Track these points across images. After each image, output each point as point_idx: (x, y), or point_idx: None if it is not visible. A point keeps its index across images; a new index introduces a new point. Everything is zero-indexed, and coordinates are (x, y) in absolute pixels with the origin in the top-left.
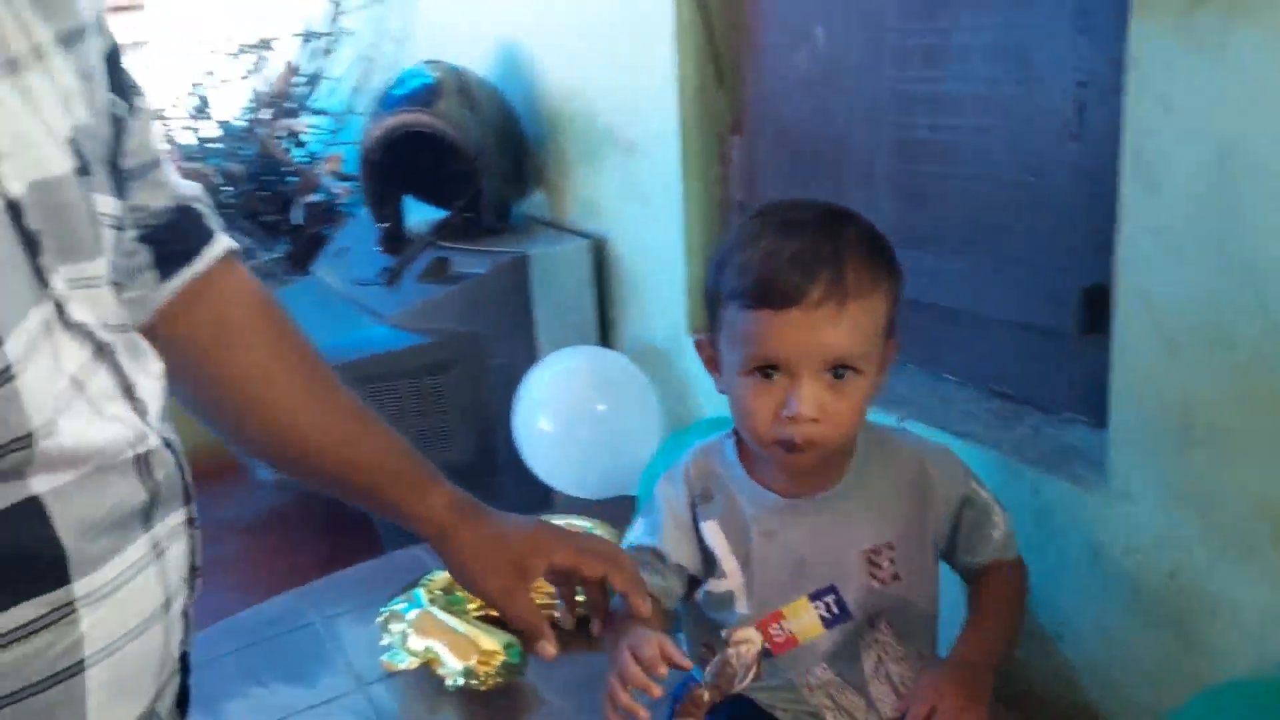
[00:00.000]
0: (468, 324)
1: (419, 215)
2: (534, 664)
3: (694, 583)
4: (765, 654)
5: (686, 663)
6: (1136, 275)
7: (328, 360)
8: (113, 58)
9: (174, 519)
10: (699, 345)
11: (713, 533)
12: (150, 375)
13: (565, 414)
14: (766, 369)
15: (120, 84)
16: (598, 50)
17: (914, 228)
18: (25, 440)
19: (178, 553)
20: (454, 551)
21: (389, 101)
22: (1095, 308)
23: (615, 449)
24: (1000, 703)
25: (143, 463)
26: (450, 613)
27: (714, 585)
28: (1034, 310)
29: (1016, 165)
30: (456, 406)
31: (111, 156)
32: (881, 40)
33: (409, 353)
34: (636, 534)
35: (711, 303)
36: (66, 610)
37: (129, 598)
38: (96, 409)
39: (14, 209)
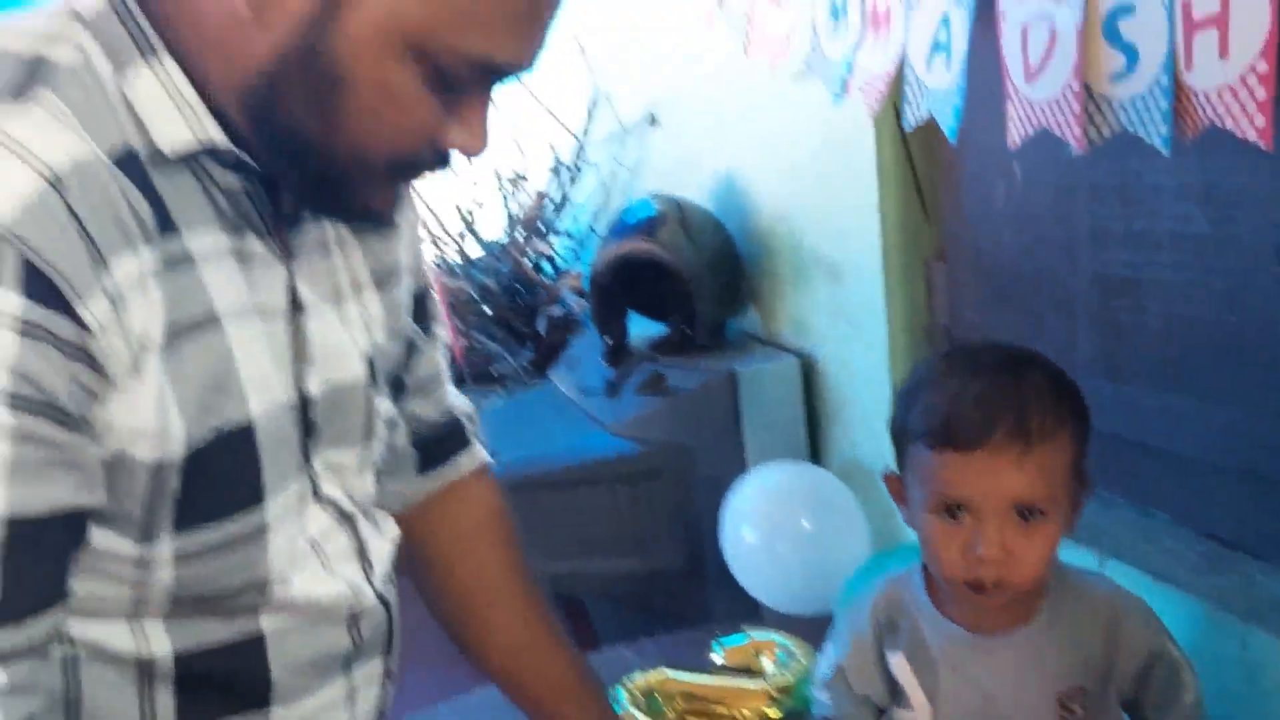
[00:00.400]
0: (679, 435)
1: (641, 329)
2: None
3: (880, 711)
4: None
5: None
6: None
7: (555, 462)
8: (420, 295)
9: (372, 668)
10: (887, 480)
11: (899, 666)
12: (385, 538)
13: (769, 527)
14: (953, 508)
15: (423, 315)
16: (804, 180)
17: (1113, 361)
18: (263, 586)
19: (369, 697)
20: None
21: (618, 230)
22: None
23: (819, 566)
24: None
25: (355, 618)
26: (649, 715)
27: (902, 716)
28: (1244, 453)
29: (1216, 303)
30: (666, 514)
31: (399, 371)
32: (1075, 177)
33: (624, 460)
34: (827, 661)
35: (898, 439)
36: None
37: None
38: (329, 567)
39: (305, 402)
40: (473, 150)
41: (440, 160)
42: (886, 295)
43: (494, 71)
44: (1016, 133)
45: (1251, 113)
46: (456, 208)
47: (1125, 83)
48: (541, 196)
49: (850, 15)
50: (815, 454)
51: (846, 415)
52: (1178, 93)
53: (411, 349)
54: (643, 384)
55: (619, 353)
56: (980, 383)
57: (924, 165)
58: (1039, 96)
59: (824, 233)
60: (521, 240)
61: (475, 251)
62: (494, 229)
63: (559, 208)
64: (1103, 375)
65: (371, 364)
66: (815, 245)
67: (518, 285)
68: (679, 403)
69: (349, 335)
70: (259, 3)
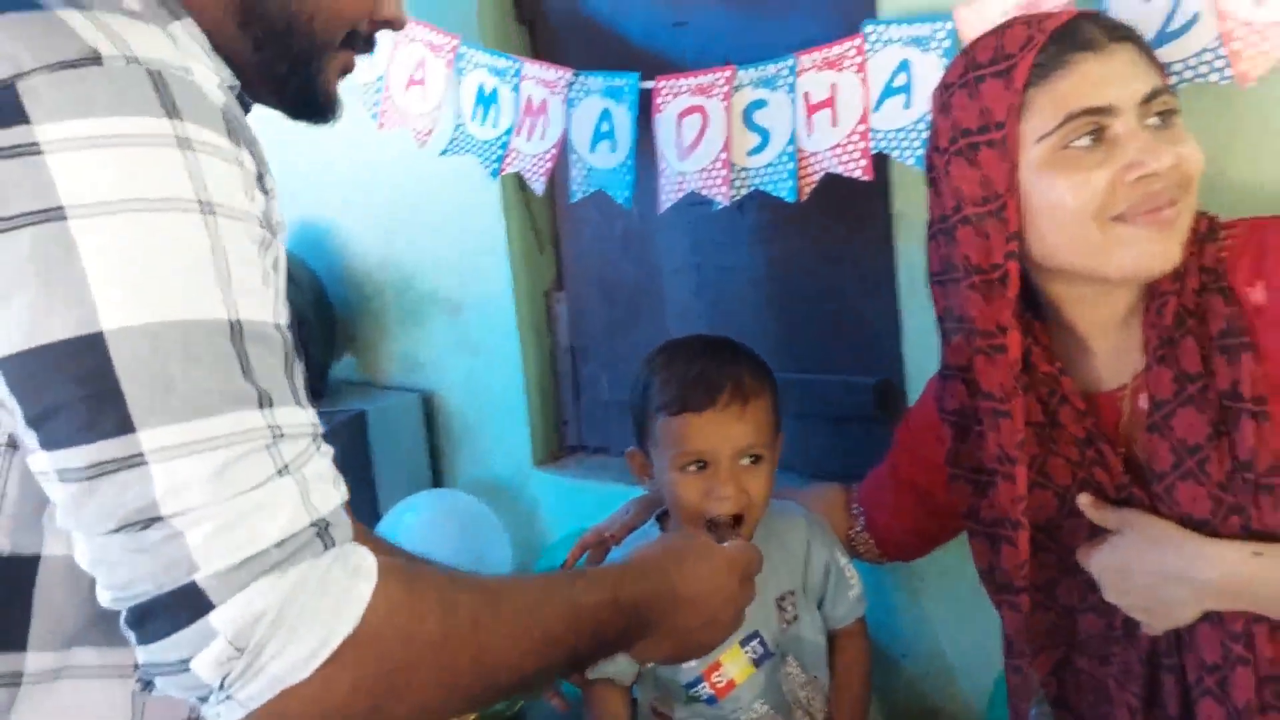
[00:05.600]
0: None
1: None
2: None
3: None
4: (709, 700)
5: None
6: (921, 366)
7: None
8: None
9: None
10: (630, 456)
11: None
12: None
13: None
14: (695, 462)
15: None
16: (417, 227)
17: None
18: None
19: None
20: None
21: None
22: (887, 398)
23: None
24: None
25: None
26: None
27: None
28: (840, 405)
29: (816, 289)
30: None
31: None
32: (669, 219)
33: None
34: None
35: (639, 420)
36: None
37: None
38: None
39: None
40: (400, 21)
41: (369, 41)
42: (518, 324)
43: None
44: (666, 199)
45: (857, 159)
46: None
47: (759, 155)
48: None
49: (502, 104)
50: (436, 482)
51: (476, 438)
52: (799, 157)
53: None
54: None
55: None
56: (700, 362)
57: (539, 210)
58: (690, 169)
59: (442, 273)
60: None
61: None
62: None
63: None
64: None
65: None
66: (432, 286)
67: None
68: None
69: None
70: None
